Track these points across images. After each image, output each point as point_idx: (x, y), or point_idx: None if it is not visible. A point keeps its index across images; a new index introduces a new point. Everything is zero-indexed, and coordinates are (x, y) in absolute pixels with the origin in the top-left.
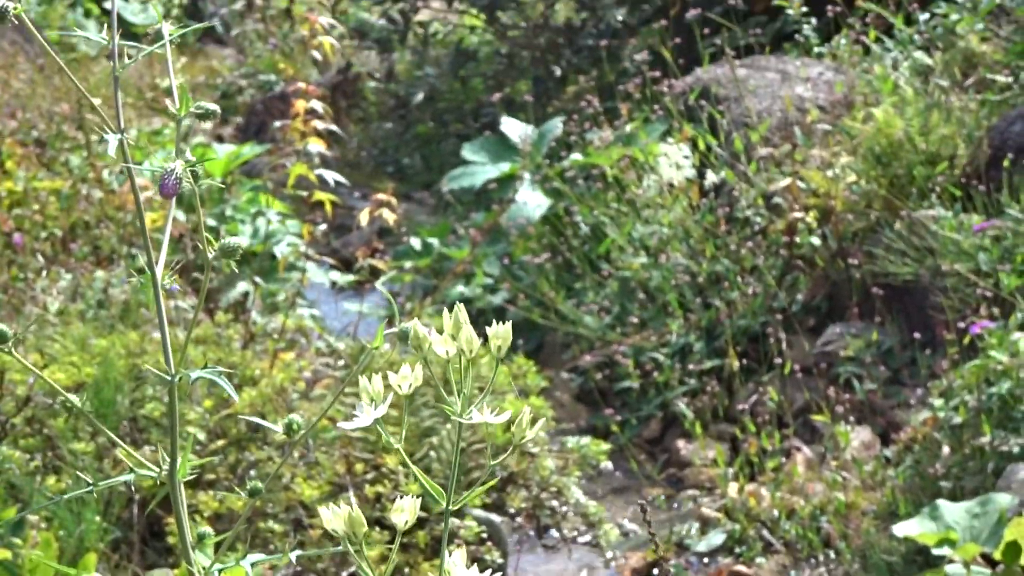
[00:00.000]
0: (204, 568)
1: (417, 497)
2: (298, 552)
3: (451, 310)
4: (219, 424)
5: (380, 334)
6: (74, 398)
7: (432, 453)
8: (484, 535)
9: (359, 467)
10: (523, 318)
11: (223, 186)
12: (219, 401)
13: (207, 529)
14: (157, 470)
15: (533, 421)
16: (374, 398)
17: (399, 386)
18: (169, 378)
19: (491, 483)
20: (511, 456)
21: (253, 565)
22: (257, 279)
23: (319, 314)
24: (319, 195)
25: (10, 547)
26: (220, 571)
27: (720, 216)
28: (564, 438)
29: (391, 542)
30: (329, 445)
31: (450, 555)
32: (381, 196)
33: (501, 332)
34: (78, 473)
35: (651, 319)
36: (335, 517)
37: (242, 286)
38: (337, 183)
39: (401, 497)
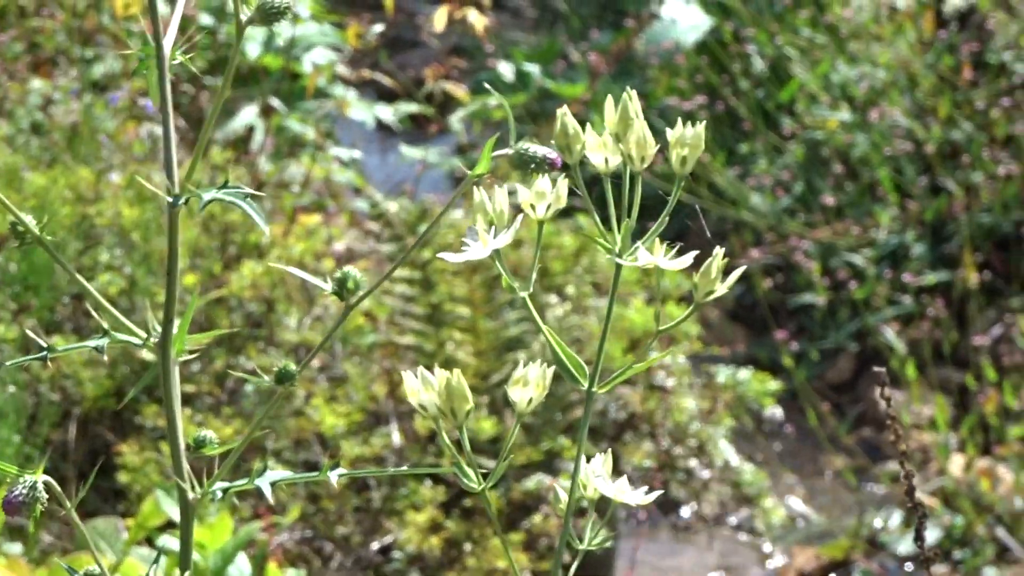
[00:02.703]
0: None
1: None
2: (341, 471)
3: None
4: (202, 313)
5: (487, 153)
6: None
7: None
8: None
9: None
10: (658, 191)
11: None
12: (205, 278)
13: (208, 433)
14: (143, 336)
15: (726, 273)
16: (495, 220)
17: (531, 206)
18: (171, 200)
19: (651, 361)
20: (627, 385)
21: (273, 485)
22: (273, 102)
23: (360, 159)
24: None
25: None
26: (225, 491)
27: (964, 59)
28: (713, 368)
29: (447, 504)
30: (364, 356)
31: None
32: None
33: (689, 136)
34: None
35: (850, 205)
36: (425, 387)
37: (247, 113)
38: None
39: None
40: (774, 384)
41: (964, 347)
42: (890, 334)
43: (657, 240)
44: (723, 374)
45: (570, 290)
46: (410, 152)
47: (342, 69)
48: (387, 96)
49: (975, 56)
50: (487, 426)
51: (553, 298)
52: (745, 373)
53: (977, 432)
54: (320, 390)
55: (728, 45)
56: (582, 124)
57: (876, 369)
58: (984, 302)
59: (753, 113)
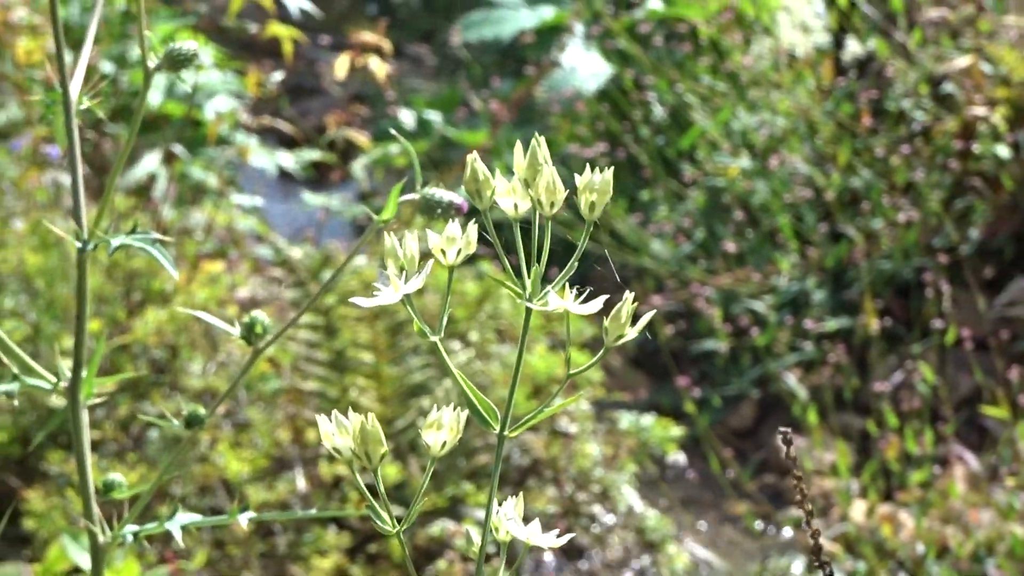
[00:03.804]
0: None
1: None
2: (250, 515)
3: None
4: (107, 359)
5: (394, 198)
6: None
7: (422, 422)
8: (489, 550)
9: (311, 435)
10: (561, 238)
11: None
12: (110, 324)
13: (117, 476)
14: (53, 380)
15: (634, 319)
16: (405, 265)
17: (442, 251)
18: (80, 245)
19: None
20: (531, 431)
21: (184, 528)
22: (175, 149)
23: (263, 206)
24: (275, 28)
25: None
26: (136, 534)
27: (863, 106)
28: (616, 414)
29: (352, 550)
30: (268, 402)
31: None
32: (367, 37)
33: (597, 182)
34: None
35: (752, 252)
36: (339, 430)
37: (150, 160)
38: (300, 24)
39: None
40: (677, 430)
41: (865, 393)
42: (792, 380)
43: (566, 285)
44: (626, 420)
45: (473, 336)
46: (312, 199)
47: (244, 116)
48: (289, 143)
49: (874, 103)
50: (391, 472)
51: (456, 344)
52: (648, 419)
53: (879, 478)
54: (225, 436)
55: (629, 92)
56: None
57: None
58: (885, 348)
59: (654, 160)
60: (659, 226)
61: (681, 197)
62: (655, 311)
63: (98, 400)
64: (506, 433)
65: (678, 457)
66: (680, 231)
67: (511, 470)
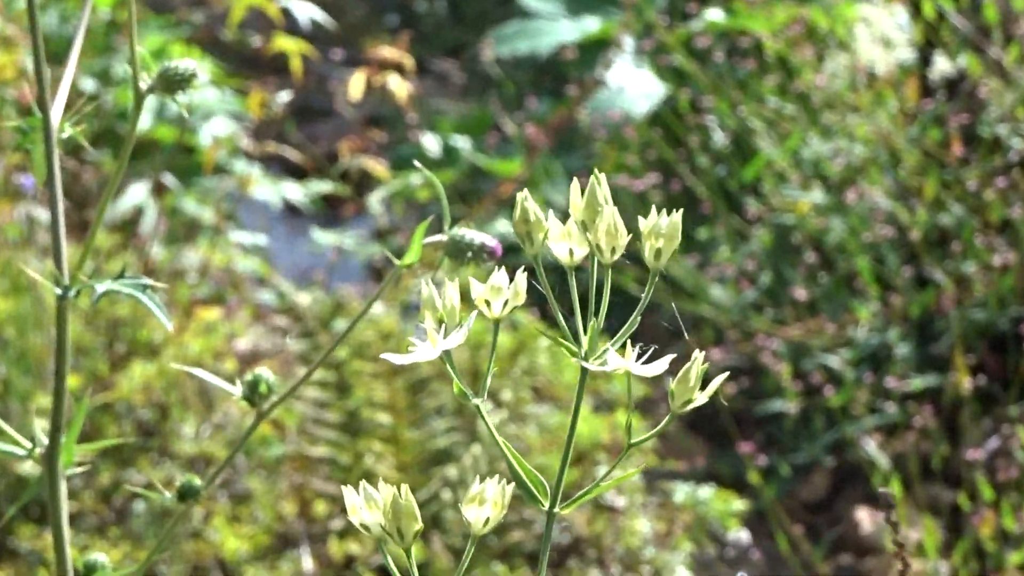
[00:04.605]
0: None
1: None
2: None
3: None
4: (87, 420)
5: (418, 240)
6: None
7: (446, 494)
8: None
9: (320, 506)
10: (614, 286)
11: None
12: (90, 380)
13: (100, 557)
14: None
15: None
16: (445, 318)
17: (486, 302)
18: (60, 291)
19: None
20: (575, 506)
21: None
22: (166, 179)
23: (266, 245)
24: (281, 41)
25: None
26: None
27: (953, 132)
28: (669, 485)
29: None
30: (271, 470)
31: None
32: (386, 52)
33: (665, 226)
34: None
35: (825, 299)
36: (368, 504)
37: (136, 192)
38: (309, 36)
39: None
40: (739, 503)
41: (956, 462)
42: (871, 446)
43: (627, 342)
44: (681, 492)
45: (506, 395)
46: (323, 237)
47: (244, 142)
48: (295, 173)
49: (965, 129)
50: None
51: (488, 404)
52: (706, 491)
53: (972, 559)
54: (221, 508)
55: (684, 116)
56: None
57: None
58: (978, 410)
59: (713, 193)
60: (719, 269)
61: (744, 236)
62: (708, 369)
63: (78, 469)
64: (557, 510)
65: (740, 534)
66: (743, 275)
67: (549, 549)
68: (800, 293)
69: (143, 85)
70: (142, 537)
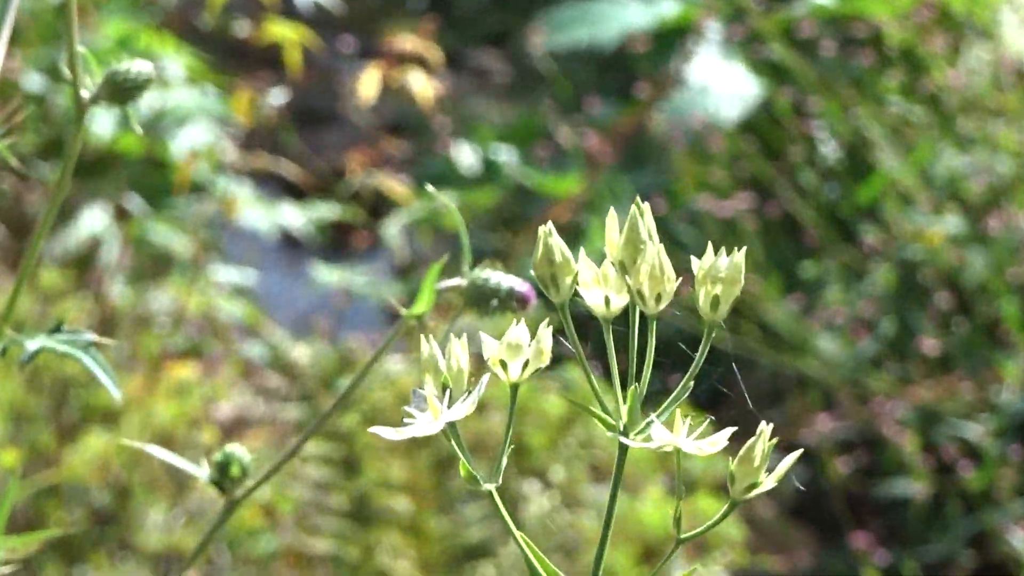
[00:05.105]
0: None
1: None
2: None
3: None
4: (28, 505)
5: (430, 284)
6: None
7: None
8: None
9: None
10: (684, 333)
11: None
12: (31, 455)
13: None
14: None
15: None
16: (449, 382)
17: (503, 364)
18: None
19: None
20: None
21: None
22: (130, 202)
23: (256, 284)
24: (275, 29)
25: None
26: None
27: None
28: None
29: None
30: (261, 568)
31: None
32: (406, 42)
33: (724, 268)
34: None
35: (962, 352)
36: None
37: (93, 217)
38: (311, 21)
39: None
40: None
41: None
42: (1020, 539)
43: (679, 410)
44: None
45: (557, 475)
46: (327, 275)
47: (230, 154)
48: (294, 193)
49: None
50: None
51: (533, 486)
52: None
53: None
54: None
55: (785, 122)
56: (575, 236)
57: None
58: None
59: (821, 219)
60: (829, 314)
61: (860, 273)
62: (813, 443)
63: (8, 568)
64: None
65: None
66: (858, 322)
67: None
68: (930, 345)
69: (85, 94)
70: None
